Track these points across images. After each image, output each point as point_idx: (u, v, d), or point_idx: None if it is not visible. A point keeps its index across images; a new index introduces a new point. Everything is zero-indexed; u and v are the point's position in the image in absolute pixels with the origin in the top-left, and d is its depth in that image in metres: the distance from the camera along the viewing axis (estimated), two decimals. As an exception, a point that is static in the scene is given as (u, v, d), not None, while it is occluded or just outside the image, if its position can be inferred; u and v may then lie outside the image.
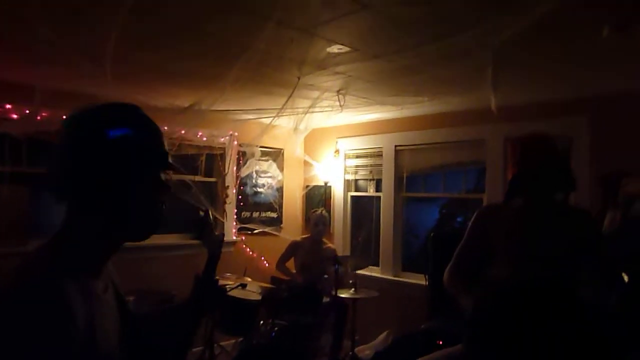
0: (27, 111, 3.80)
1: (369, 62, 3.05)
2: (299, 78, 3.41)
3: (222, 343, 4.34)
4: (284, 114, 3.97)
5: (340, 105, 3.97)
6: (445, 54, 2.83)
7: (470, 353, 1.69)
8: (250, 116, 4.55)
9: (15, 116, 3.79)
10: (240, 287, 3.73)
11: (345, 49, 2.80)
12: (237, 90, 3.69)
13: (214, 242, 1.38)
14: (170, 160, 1.10)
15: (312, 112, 4.12)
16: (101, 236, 1.01)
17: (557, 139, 2.13)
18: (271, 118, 4.19)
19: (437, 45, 2.68)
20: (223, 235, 1.52)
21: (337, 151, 5.53)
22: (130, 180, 1.01)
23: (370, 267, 5.04)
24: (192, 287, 1.33)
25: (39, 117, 3.84)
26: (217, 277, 1.40)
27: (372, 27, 2.50)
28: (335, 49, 2.80)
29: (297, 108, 3.99)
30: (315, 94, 3.81)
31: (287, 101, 3.64)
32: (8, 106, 3.77)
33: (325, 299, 4.12)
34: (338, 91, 3.81)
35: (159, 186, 1.07)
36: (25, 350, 0.80)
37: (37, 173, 4.00)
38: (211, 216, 1.46)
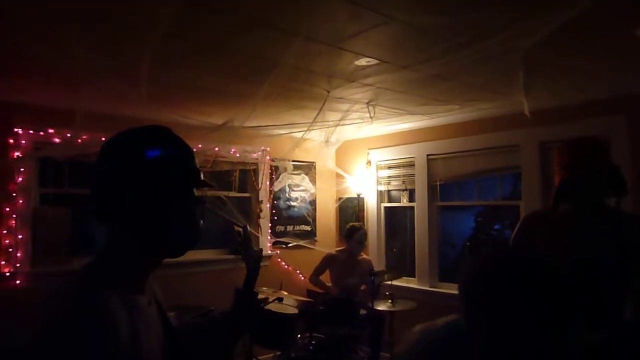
0: (68, 135, 3.96)
1: (397, 72, 3.06)
2: (328, 91, 3.45)
3: (260, 357, 4.37)
4: (315, 127, 4.01)
5: (371, 117, 3.98)
6: (473, 61, 2.80)
7: None
8: (282, 131, 4.60)
9: (57, 140, 3.96)
10: (277, 301, 3.75)
11: (373, 61, 2.82)
12: (268, 105, 3.75)
13: (252, 257, 1.42)
14: (202, 177, 1.14)
15: (343, 124, 4.14)
16: (142, 252, 1.04)
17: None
18: (302, 132, 4.23)
19: (464, 52, 2.66)
20: (262, 250, 1.55)
21: (368, 162, 5.52)
22: (166, 198, 1.04)
23: (407, 278, 5.00)
24: (232, 301, 1.36)
25: (79, 140, 3.99)
26: (256, 291, 1.43)
27: (398, 38, 2.51)
28: (363, 61, 2.83)
29: (328, 121, 4.02)
30: (345, 106, 3.83)
31: (317, 115, 3.68)
32: (50, 131, 3.94)
33: (362, 312, 4.10)
34: (368, 103, 3.83)
35: (194, 202, 1.10)
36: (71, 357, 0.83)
37: (78, 194, 4.16)
38: (249, 232, 1.49)
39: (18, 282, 3.72)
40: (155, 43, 2.37)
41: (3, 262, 3.70)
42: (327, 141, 4.44)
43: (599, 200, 1.94)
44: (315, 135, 4.81)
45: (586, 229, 1.89)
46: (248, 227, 5.00)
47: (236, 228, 1.45)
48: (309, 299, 4.38)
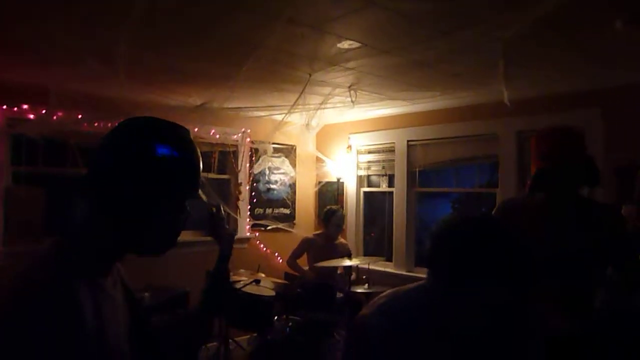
0: (43, 111, 3.86)
1: (379, 57, 3.05)
2: (310, 75, 3.43)
3: (237, 338, 4.39)
4: (296, 110, 3.99)
5: (352, 101, 3.97)
6: (455, 48, 2.82)
7: None
8: (262, 113, 4.58)
9: (31, 116, 3.86)
10: (254, 283, 3.76)
11: (355, 44, 2.81)
12: (249, 87, 3.72)
13: (225, 237, 1.40)
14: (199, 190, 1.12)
15: (324, 108, 4.13)
16: (116, 244, 1.03)
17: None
18: (283, 115, 4.21)
19: (446, 39, 2.67)
20: (235, 231, 1.53)
21: (349, 147, 5.53)
22: (159, 200, 1.02)
23: (384, 262, 5.05)
24: (204, 283, 1.35)
25: (54, 117, 3.90)
26: (230, 273, 1.41)
27: (381, 22, 2.50)
28: (345, 44, 2.81)
29: (309, 104, 4.00)
30: (327, 90, 3.82)
31: (298, 98, 3.66)
32: (24, 106, 3.84)
33: (339, 295, 4.14)
34: (349, 87, 3.82)
35: (181, 210, 1.08)
36: (36, 346, 0.82)
37: (52, 173, 4.08)
38: (223, 212, 1.46)
39: (-10, 260, 3.66)
40: (133, 25, 2.32)
41: (-26, 241, 3.63)
42: (307, 125, 4.42)
43: (574, 190, 1.98)
44: (296, 119, 4.79)
45: (562, 218, 1.94)
46: (223, 207, 5.03)
47: (212, 209, 1.42)
48: (286, 282, 4.41)
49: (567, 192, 1.96)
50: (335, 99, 4.06)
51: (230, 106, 3.95)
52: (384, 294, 1.31)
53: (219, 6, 2.27)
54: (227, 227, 1.45)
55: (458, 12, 2.33)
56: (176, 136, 1.05)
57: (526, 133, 4.03)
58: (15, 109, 3.81)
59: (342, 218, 4.80)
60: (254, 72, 3.23)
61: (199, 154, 1.09)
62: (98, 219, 1.02)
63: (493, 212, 2.21)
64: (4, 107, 3.77)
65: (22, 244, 3.75)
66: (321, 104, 4.00)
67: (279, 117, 4.49)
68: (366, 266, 4.38)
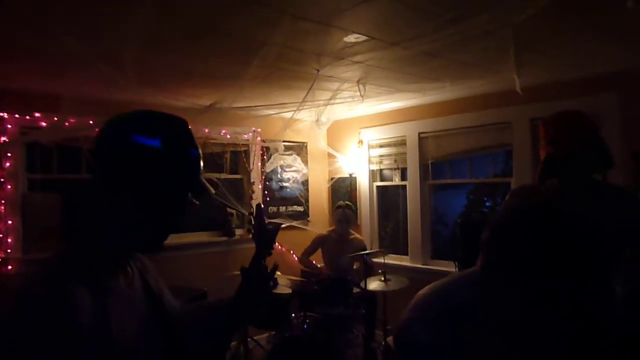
0: (55, 118, 3.89)
1: (386, 49, 3.02)
2: (317, 70, 3.41)
3: (255, 337, 4.40)
4: (305, 107, 3.97)
5: (361, 95, 3.95)
6: (464, 37, 2.76)
7: None
8: (272, 111, 4.56)
9: (43, 124, 3.90)
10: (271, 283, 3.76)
11: (362, 37, 2.78)
12: (257, 86, 3.71)
13: (267, 233, 1.32)
14: (203, 187, 1.11)
15: (333, 103, 4.11)
16: (120, 242, 1.04)
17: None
18: (292, 112, 4.20)
19: (455, 28, 2.63)
20: (280, 224, 1.46)
21: (360, 141, 5.50)
22: (159, 197, 1.03)
23: (399, 256, 5.03)
24: (241, 280, 1.28)
25: (66, 124, 3.93)
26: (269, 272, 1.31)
27: (387, 14, 2.48)
28: (352, 38, 2.79)
29: (318, 100, 3.98)
30: (335, 85, 3.80)
31: (307, 94, 3.64)
32: (37, 114, 3.87)
33: (356, 290, 4.12)
34: (358, 81, 3.79)
35: (184, 208, 1.08)
36: (28, 344, 0.85)
37: (67, 179, 4.12)
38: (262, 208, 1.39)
39: (10, 267, 3.70)
40: (140, 25, 2.32)
41: (-6, 249, 3.68)
42: (317, 121, 4.40)
43: (587, 174, 1.92)
44: (306, 115, 4.78)
45: (576, 204, 1.88)
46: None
47: (232, 210, 1.38)
48: (303, 279, 4.41)
49: (580, 177, 1.90)
50: (344, 93, 4.04)
51: (239, 106, 3.95)
52: (423, 292, 1.17)
53: (223, 4, 2.26)
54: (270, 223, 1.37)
55: (466, 0, 2.29)
56: (163, 127, 1.05)
57: (540, 120, 3.96)
58: (28, 117, 3.85)
59: (345, 215, 4.70)
60: (261, 71, 3.21)
61: (196, 147, 1.08)
62: (102, 219, 1.03)
63: (505, 200, 2.14)
64: (17, 115, 3.81)
65: (40, 250, 3.79)
66: (330, 99, 3.98)
67: (288, 115, 4.48)
68: (382, 260, 4.35)
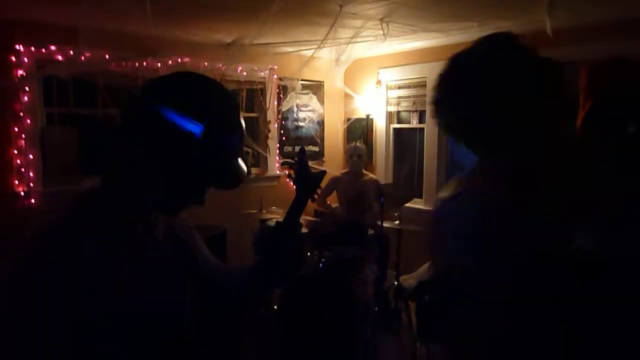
0: (71, 52, 3.82)
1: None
2: (341, 6, 3.27)
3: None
4: (326, 45, 3.85)
5: (384, 34, 3.81)
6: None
7: None
8: (290, 49, 4.44)
9: (59, 57, 3.83)
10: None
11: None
12: (276, 22, 3.58)
13: (309, 179, 1.27)
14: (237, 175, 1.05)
15: (355, 42, 3.97)
16: (130, 198, 1.02)
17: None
18: (312, 50, 4.08)
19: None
20: (324, 172, 1.35)
21: (378, 82, 5.38)
22: (185, 179, 1.00)
23: (415, 199, 5.05)
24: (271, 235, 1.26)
25: (82, 58, 3.86)
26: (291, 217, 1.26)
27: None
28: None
29: (339, 39, 3.85)
30: (358, 22, 3.66)
31: (329, 32, 3.53)
32: (52, 47, 3.80)
33: (370, 232, 4.18)
34: (381, 19, 3.64)
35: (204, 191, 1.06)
36: (35, 292, 0.89)
37: (84, 114, 4.10)
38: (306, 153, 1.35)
39: (32, 201, 3.77)
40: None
41: (16, 182, 3.73)
42: (337, 60, 4.28)
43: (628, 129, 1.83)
44: (324, 54, 4.64)
45: (621, 160, 1.78)
46: (252, 145, 5.02)
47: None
48: (317, 219, 4.46)
49: (621, 132, 1.82)
50: (366, 32, 3.90)
51: (258, 42, 3.83)
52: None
53: None
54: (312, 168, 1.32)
55: None
56: (209, 111, 0.96)
57: (569, 65, 3.82)
58: (43, 50, 3.78)
59: (357, 149, 4.66)
60: (284, 4, 3.09)
61: (240, 129, 1.02)
62: (122, 172, 1.02)
63: None
64: (32, 48, 3.74)
65: (60, 183, 3.84)
66: (352, 37, 3.85)
67: (307, 53, 4.36)
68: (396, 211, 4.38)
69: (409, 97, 5.21)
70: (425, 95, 4.98)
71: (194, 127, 0.93)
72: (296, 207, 1.25)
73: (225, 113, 1.00)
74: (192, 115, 0.93)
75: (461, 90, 1.16)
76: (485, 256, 1.13)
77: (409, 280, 4.92)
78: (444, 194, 1.28)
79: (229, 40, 3.63)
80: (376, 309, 3.90)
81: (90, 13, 3.38)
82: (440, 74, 1.21)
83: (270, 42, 4.11)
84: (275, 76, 5.14)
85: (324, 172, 1.33)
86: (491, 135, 1.16)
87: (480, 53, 1.19)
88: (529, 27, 3.86)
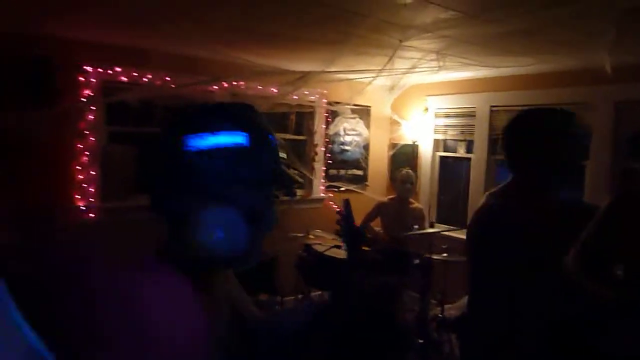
0: (135, 74, 4.00)
1: (478, 26, 2.91)
2: (400, 40, 3.33)
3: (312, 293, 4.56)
4: (381, 75, 3.91)
5: (439, 67, 3.85)
6: (563, 17, 2.64)
7: None
8: (343, 76, 4.52)
9: (124, 79, 4.01)
10: (334, 248, 3.85)
11: (457, 14, 2.68)
12: (334, 51, 3.67)
13: (353, 233, 1.23)
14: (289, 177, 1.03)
15: (412, 72, 4.02)
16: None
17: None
18: (370, 78, 4.14)
19: (556, 9, 2.50)
20: (365, 228, 1.36)
21: (426, 109, 5.40)
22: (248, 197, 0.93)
23: (459, 230, 5.01)
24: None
25: (144, 79, 4.04)
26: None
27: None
28: (447, 14, 2.69)
29: (395, 69, 3.91)
30: (415, 54, 3.70)
31: (387, 63, 3.58)
32: (117, 69, 3.98)
33: (416, 261, 4.18)
34: (437, 52, 3.68)
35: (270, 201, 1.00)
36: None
37: (144, 132, 4.26)
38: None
39: (92, 215, 3.93)
40: None
41: (78, 197, 3.90)
42: (391, 88, 4.34)
43: None
44: (376, 80, 4.70)
45: None
46: (299, 168, 5.09)
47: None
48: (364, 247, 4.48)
49: None
50: (421, 63, 3.94)
51: (324, 70, 3.92)
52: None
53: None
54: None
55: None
56: (244, 121, 0.92)
57: (624, 104, 3.80)
58: (110, 71, 3.96)
59: (410, 176, 4.69)
60: (343, 38, 3.18)
61: (272, 133, 0.96)
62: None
63: (608, 203, 2.00)
64: (99, 69, 3.92)
65: (118, 200, 3.99)
66: (409, 69, 3.90)
67: (355, 78, 4.41)
68: (437, 231, 4.37)
69: (456, 125, 5.21)
70: (474, 125, 4.97)
71: (240, 138, 0.90)
72: (349, 267, 1.23)
73: (255, 119, 0.96)
74: (232, 129, 0.90)
75: (521, 131, 1.78)
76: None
77: (451, 310, 4.88)
78: (485, 200, 1.78)
79: (285, 68, 3.74)
80: (421, 341, 3.87)
81: (155, 36, 3.54)
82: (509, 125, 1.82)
83: (325, 70, 4.19)
84: (325, 100, 5.23)
85: (347, 202, 1.29)
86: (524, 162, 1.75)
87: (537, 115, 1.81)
88: (583, 64, 3.85)
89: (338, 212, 1.28)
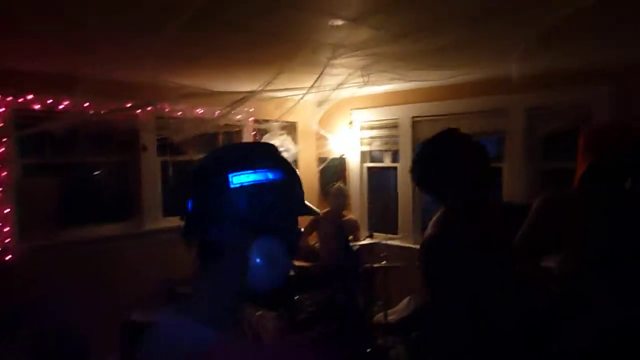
0: (49, 101, 3.74)
1: (402, 43, 3.04)
2: (329, 59, 3.40)
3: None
4: (311, 92, 3.97)
5: (365, 82, 3.97)
6: (477, 38, 2.85)
7: None
8: (271, 94, 4.52)
9: (37, 107, 3.75)
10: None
11: (385, 33, 2.80)
12: (262, 71, 3.68)
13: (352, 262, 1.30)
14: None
15: (341, 89, 4.12)
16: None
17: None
18: (294, 94, 4.19)
19: (473, 27, 2.70)
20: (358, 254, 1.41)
21: (351, 122, 5.54)
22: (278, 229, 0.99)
23: (390, 235, 5.18)
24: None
25: (60, 107, 3.80)
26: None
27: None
28: (376, 33, 2.80)
29: (323, 86, 3.98)
30: (342, 71, 3.80)
31: (316, 80, 3.64)
32: (29, 96, 3.71)
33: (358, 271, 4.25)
34: (362, 68, 3.80)
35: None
36: None
37: (62, 163, 4.00)
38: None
39: (9, 257, 3.60)
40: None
41: (-8, 238, 3.56)
42: (321, 104, 4.41)
43: (623, 182, 2.03)
44: (298, 96, 4.74)
45: (614, 210, 1.97)
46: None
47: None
48: (304, 263, 4.50)
49: (617, 185, 2.02)
50: (348, 78, 4.04)
51: (246, 90, 3.90)
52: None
53: (258, 5, 2.24)
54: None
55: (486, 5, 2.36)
56: (275, 160, 1.02)
57: (534, 110, 4.16)
58: (21, 99, 3.68)
59: (342, 190, 4.84)
60: (284, 63, 3.21)
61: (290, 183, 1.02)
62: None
63: (537, 205, 2.18)
64: (9, 98, 3.63)
65: (39, 237, 3.70)
66: (339, 84, 3.98)
67: (279, 95, 4.45)
68: (377, 241, 4.49)
69: (381, 137, 5.40)
70: (397, 135, 5.17)
71: (278, 174, 1.00)
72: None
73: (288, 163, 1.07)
74: (270, 166, 1.00)
75: (428, 168, 1.88)
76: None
77: (393, 315, 5.01)
78: (431, 231, 1.86)
79: (215, 89, 3.69)
80: (368, 350, 3.94)
81: (79, 62, 3.34)
82: (414, 158, 1.96)
83: (255, 89, 4.17)
84: (251, 118, 5.20)
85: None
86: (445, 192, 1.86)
87: (439, 143, 1.91)
88: (497, 74, 4.16)
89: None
